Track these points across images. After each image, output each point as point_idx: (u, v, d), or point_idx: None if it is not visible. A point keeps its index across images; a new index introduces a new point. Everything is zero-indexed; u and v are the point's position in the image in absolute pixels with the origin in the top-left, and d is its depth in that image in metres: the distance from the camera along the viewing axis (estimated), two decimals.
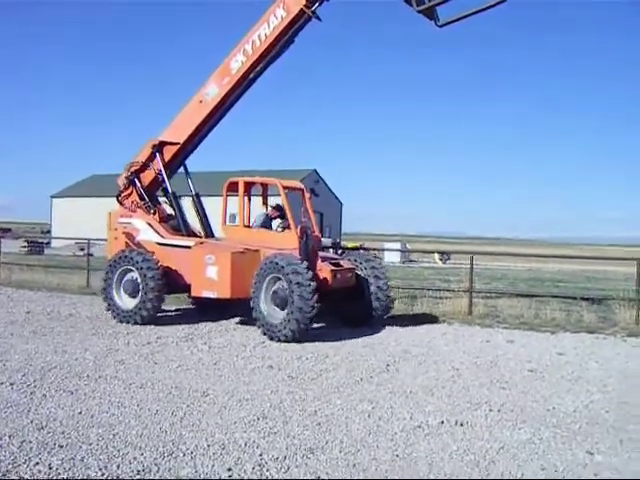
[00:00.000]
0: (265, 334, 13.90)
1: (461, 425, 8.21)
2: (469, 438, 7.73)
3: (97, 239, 25.16)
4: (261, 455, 6.95)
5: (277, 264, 13.85)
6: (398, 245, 67.81)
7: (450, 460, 6.98)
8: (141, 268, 15.49)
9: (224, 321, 16.08)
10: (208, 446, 7.18)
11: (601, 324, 16.89)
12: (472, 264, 19.19)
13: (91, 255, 26.94)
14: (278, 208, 16.57)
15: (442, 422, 8.30)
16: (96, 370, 10.64)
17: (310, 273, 13.65)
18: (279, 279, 13.97)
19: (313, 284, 13.54)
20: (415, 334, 14.78)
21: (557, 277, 37.80)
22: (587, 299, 20.12)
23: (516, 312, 18.02)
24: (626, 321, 16.98)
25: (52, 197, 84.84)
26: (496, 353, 12.93)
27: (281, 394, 9.46)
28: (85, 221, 68.01)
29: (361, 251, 17.79)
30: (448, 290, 20.82)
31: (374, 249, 27.28)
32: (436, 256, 60.13)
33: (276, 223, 16.68)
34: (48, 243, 62.59)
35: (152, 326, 15.09)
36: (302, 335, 13.56)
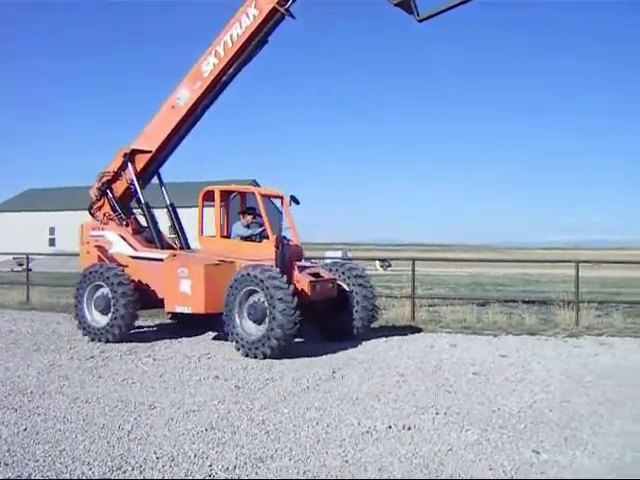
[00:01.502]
0: (238, 350, 13.19)
1: (409, 429, 8.26)
2: (417, 441, 7.78)
3: (35, 254, 24.82)
4: (211, 466, 6.92)
5: (255, 277, 13.08)
6: (339, 253, 67.59)
7: (400, 464, 7.02)
8: (112, 284, 14.79)
9: (165, 338, 15.81)
10: (157, 459, 7.13)
11: (542, 326, 17.13)
12: (414, 270, 19.32)
13: (30, 270, 26.57)
14: (248, 211, 15.56)
15: (390, 427, 8.34)
16: (40, 386, 10.51)
17: (292, 287, 13.00)
18: (255, 292, 13.23)
19: (295, 299, 12.81)
20: (359, 341, 14.82)
21: (498, 281, 38.25)
22: (528, 302, 20.40)
23: (458, 317, 18.18)
24: (566, 322, 17.24)
25: None
26: (440, 357, 13.04)
27: (228, 404, 9.44)
28: (21, 236, 67.05)
29: (341, 260, 17.09)
30: (390, 297, 20.87)
31: (315, 258, 27.24)
32: (377, 263, 60.16)
33: (255, 228, 15.33)
34: None
35: (95, 340, 14.88)
36: (282, 352, 12.82)
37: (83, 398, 9.72)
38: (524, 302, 20.13)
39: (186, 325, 16.37)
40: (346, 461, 7.12)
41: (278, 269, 13.35)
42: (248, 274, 13.23)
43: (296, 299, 12.85)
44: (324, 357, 13.07)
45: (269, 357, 12.74)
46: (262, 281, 12.93)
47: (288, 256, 13.90)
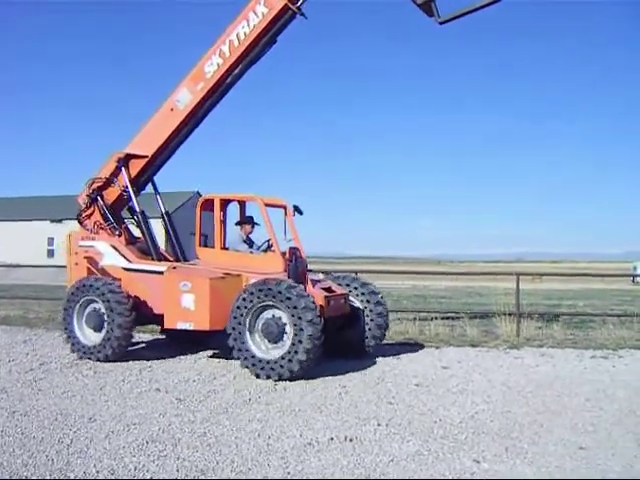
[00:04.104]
0: (246, 368, 12.36)
1: (350, 440, 8.28)
2: (359, 453, 7.80)
3: None
4: (151, 479, 6.86)
5: (279, 293, 12.12)
6: None
7: (342, 475, 7.04)
8: (108, 301, 13.74)
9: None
10: (97, 472, 7.05)
11: (484, 338, 17.27)
12: None
13: None
14: (246, 221, 14.79)
15: (332, 438, 8.35)
16: None
17: (318, 307, 12.22)
18: (270, 307, 12.37)
19: (322, 321, 12.12)
20: None
21: (440, 294, 38.48)
22: (471, 314, 20.57)
23: (401, 328, 18.22)
24: (507, 334, 17.40)
25: None
26: (382, 369, 13.06)
27: (169, 417, 9.36)
28: None
29: (352, 275, 15.80)
30: None
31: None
32: (320, 276, 60.19)
33: (244, 244, 14.69)
34: None
35: (34, 352, 14.67)
36: (301, 376, 12.03)
37: (22, 411, 9.57)
38: (467, 314, 20.27)
39: (178, 342, 15.58)
40: (288, 472, 7.11)
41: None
42: (269, 288, 12.31)
43: (322, 321, 12.19)
44: None
45: (287, 379, 11.91)
46: (289, 298, 12.06)
47: (301, 270, 13.25)
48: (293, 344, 11.97)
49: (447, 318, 19.86)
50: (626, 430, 8.91)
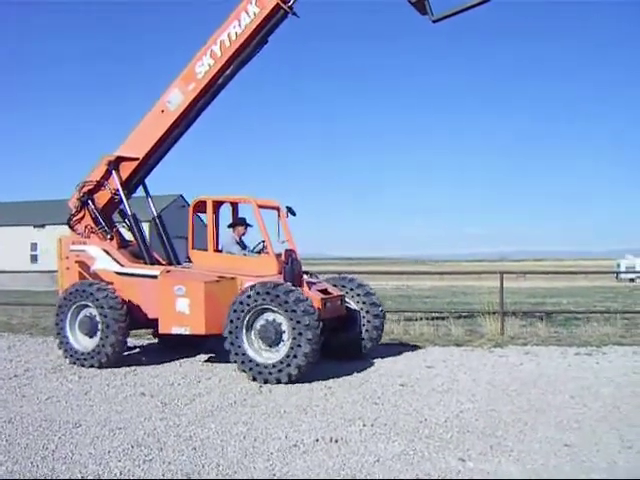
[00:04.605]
0: (243, 372, 12.24)
1: (336, 441, 8.28)
2: (344, 453, 7.80)
3: None
4: None
5: (277, 296, 12.00)
6: None
7: (327, 476, 7.04)
8: (102, 307, 13.52)
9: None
10: (82, 478, 7.03)
11: (468, 337, 17.34)
12: None
13: None
14: (240, 222, 14.55)
15: (317, 440, 8.35)
16: None
17: (317, 311, 12.12)
18: (267, 311, 12.22)
19: (320, 325, 12.04)
20: None
21: (425, 294, 38.58)
22: (455, 313, 20.62)
23: (385, 329, 18.13)
24: (492, 333, 17.47)
25: None
26: (367, 370, 13.07)
27: (155, 421, 9.34)
28: None
29: (348, 276, 15.53)
30: None
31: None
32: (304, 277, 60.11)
33: (238, 247, 14.47)
34: None
35: (19, 358, 14.61)
36: (298, 379, 11.90)
37: (5, 418, 9.53)
38: (451, 314, 20.31)
39: (171, 347, 15.27)
40: (274, 474, 7.11)
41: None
42: (267, 292, 12.14)
43: (321, 324, 12.10)
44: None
45: (285, 383, 11.81)
46: (287, 302, 11.95)
47: (297, 272, 13.13)
48: (292, 348, 11.86)
49: (432, 318, 19.87)
50: (610, 426, 8.95)
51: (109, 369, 13.26)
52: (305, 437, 8.46)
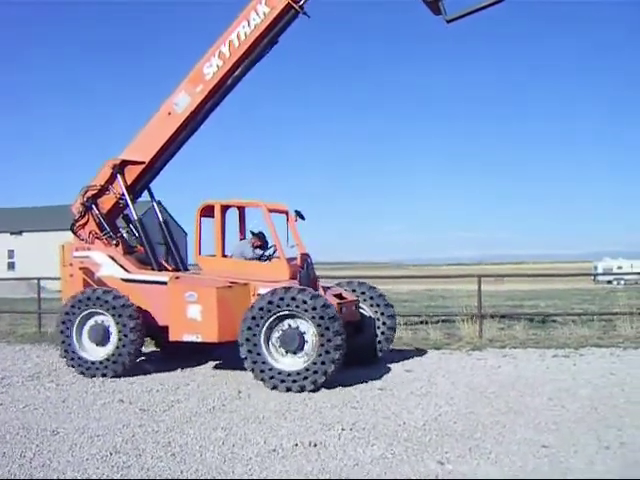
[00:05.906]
0: (262, 381, 11.85)
1: (315, 446, 8.27)
2: (323, 458, 7.80)
3: None
4: None
5: (304, 302, 11.65)
6: None
7: None
8: (119, 315, 13.13)
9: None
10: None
11: (446, 340, 17.37)
12: None
13: None
14: (261, 236, 14.24)
15: (296, 444, 8.34)
16: None
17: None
18: (289, 317, 11.91)
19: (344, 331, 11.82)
20: None
21: (403, 297, 38.59)
22: (433, 317, 20.62)
23: None
24: (470, 336, 17.52)
25: None
26: (346, 374, 12.99)
27: (133, 427, 9.29)
28: None
29: (355, 280, 15.13)
30: None
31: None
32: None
33: (256, 252, 14.20)
34: None
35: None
36: (322, 386, 11.65)
37: None
38: (429, 317, 20.29)
39: (177, 355, 14.75)
40: None
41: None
42: (293, 298, 11.77)
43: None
44: (230, 375, 13.04)
45: (309, 391, 11.51)
46: (314, 308, 11.62)
47: (313, 277, 13.05)
48: (319, 355, 11.60)
49: (410, 323, 19.87)
50: (588, 427, 8.99)
51: (87, 377, 13.11)
52: (284, 442, 8.45)
